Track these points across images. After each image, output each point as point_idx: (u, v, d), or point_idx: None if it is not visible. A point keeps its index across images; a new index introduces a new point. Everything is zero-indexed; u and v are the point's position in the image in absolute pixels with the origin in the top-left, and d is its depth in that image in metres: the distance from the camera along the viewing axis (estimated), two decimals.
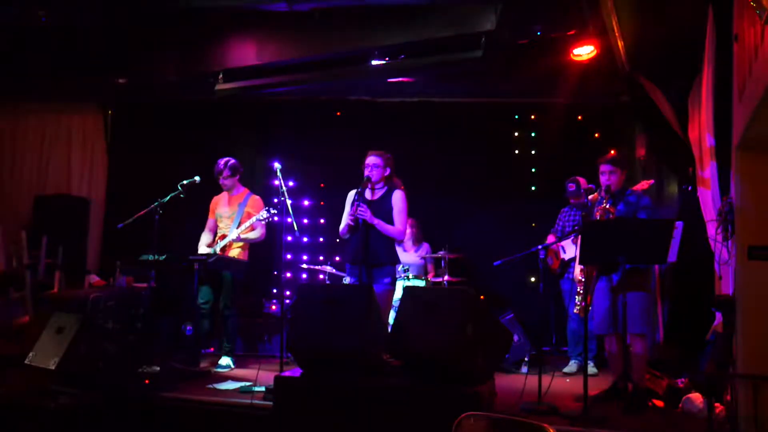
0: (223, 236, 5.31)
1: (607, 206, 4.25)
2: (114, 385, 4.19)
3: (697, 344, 4.46)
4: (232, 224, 5.29)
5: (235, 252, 5.30)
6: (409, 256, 6.42)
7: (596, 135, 6.89)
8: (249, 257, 5.42)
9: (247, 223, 5.20)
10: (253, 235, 5.30)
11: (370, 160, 4.62)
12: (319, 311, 3.83)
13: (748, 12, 3.12)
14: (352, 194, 4.64)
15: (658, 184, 5.93)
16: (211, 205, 5.56)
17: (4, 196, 7.58)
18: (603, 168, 4.35)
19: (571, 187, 5.47)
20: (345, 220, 4.61)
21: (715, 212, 4.06)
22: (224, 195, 5.51)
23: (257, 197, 5.46)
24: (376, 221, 4.45)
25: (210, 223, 5.53)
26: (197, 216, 5.60)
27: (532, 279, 6.58)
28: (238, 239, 5.23)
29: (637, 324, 4.10)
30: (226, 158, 5.41)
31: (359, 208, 4.41)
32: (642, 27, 4.76)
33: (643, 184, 4.81)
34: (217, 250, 5.23)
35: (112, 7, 5.57)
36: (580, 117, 6.92)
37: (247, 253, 5.40)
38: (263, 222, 5.18)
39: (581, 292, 4.46)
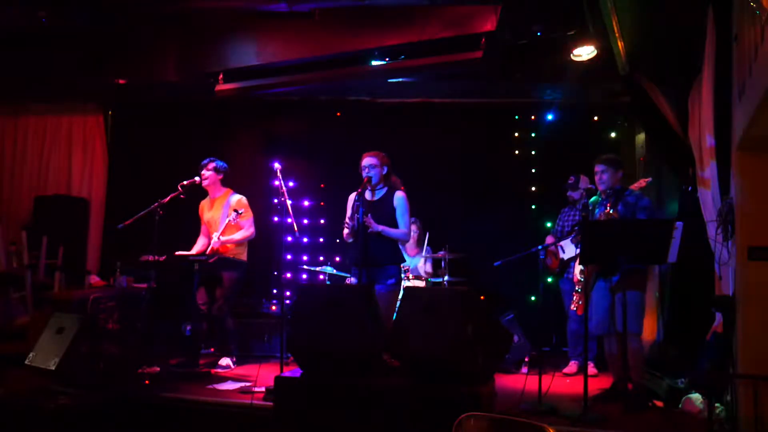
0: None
1: (610, 211, 4.26)
2: (114, 386, 4.19)
3: (697, 344, 4.45)
4: (219, 226, 5.25)
5: (229, 253, 5.26)
6: (412, 259, 6.40)
7: (596, 135, 6.89)
8: (248, 257, 5.41)
9: (223, 226, 5.17)
10: (237, 235, 5.26)
11: (367, 161, 4.60)
12: (319, 311, 3.83)
13: (748, 12, 3.12)
14: (352, 197, 4.63)
15: (658, 185, 5.93)
16: (199, 211, 5.56)
17: (4, 196, 7.58)
18: (596, 168, 4.43)
19: (571, 179, 5.48)
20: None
21: (715, 212, 4.06)
22: (208, 199, 5.51)
23: (240, 197, 5.41)
24: (382, 228, 4.45)
25: (203, 228, 5.53)
26: (197, 216, 5.60)
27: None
28: (219, 242, 5.15)
29: (634, 323, 4.11)
30: (215, 158, 5.43)
31: (366, 219, 4.39)
32: (642, 27, 4.76)
33: (641, 183, 4.81)
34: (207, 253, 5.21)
35: (112, 7, 5.56)
36: (580, 117, 6.92)
37: (245, 253, 5.39)
38: (233, 221, 5.10)
39: (579, 291, 4.47)
